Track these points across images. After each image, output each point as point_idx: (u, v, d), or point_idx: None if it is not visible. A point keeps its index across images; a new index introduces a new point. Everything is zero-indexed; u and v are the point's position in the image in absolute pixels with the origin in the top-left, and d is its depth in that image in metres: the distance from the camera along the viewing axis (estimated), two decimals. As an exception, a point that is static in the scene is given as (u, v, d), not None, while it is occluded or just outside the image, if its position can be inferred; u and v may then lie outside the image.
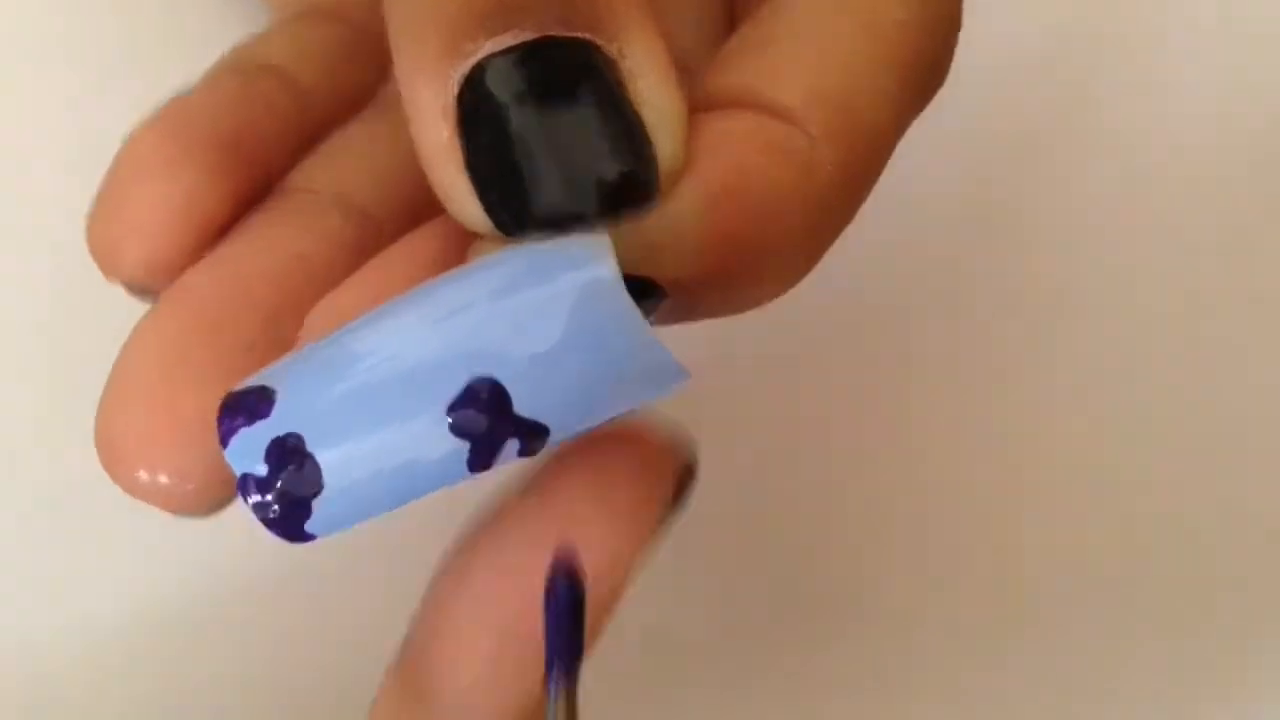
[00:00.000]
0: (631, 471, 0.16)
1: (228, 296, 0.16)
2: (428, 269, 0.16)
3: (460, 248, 0.15)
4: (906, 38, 0.17)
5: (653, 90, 0.14)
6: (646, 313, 0.14)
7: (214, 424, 0.14)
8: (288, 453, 0.14)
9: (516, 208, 0.14)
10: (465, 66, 0.14)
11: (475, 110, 0.14)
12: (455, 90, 0.14)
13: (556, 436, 0.14)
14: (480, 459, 0.14)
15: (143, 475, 0.16)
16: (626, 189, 0.14)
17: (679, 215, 0.15)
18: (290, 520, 0.14)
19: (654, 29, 0.15)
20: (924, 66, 0.17)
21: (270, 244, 0.17)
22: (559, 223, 0.14)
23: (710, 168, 0.15)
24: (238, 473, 0.14)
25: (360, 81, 0.20)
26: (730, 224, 0.15)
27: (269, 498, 0.14)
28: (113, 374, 0.16)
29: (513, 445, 0.14)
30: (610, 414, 0.14)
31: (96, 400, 0.16)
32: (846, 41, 0.16)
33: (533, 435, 0.14)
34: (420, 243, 0.17)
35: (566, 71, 0.14)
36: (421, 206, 0.17)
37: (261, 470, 0.14)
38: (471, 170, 0.14)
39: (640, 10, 0.15)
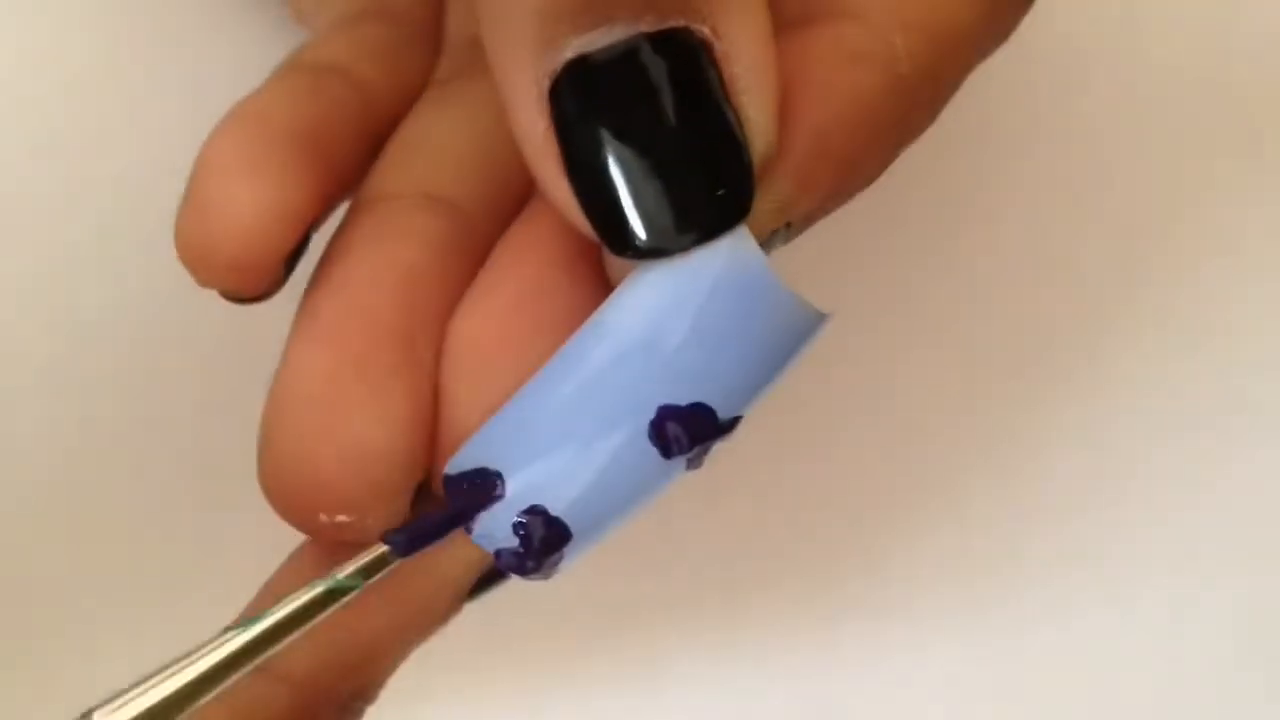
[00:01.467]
0: None
1: (360, 328, 0.16)
2: (543, 266, 0.16)
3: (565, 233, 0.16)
4: None
5: (750, 74, 0.14)
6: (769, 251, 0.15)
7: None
8: (533, 522, 0.15)
9: (619, 233, 0.14)
10: (557, 62, 0.14)
11: (569, 112, 0.14)
12: (547, 85, 0.14)
13: (744, 415, 0.15)
14: (694, 464, 0.15)
15: (322, 518, 0.16)
16: (726, 209, 0.14)
17: (785, 180, 0.15)
18: (547, 570, 0.16)
19: (750, 3, 0.14)
20: None
21: (380, 263, 0.17)
22: (663, 249, 0.14)
23: (807, 114, 0.15)
24: (489, 550, 0.15)
25: (418, 74, 0.20)
26: (831, 156, 0.15)
27: (529, 564, 0.15)
28: (272, 420, 0.16)
29: (716, 442, 0.15)
30: (782, 376, 0.15)
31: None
32: None
33: (732, 427, 0.15)
34: (526, 239, 0.17)
35: (660, 76, 0.14)
36: (506, 189, 0.17)
37: (514, 544, 0.15)
38: (572, 177, 0.14)
39: None
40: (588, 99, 0.14)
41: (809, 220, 0.16)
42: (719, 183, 0.14)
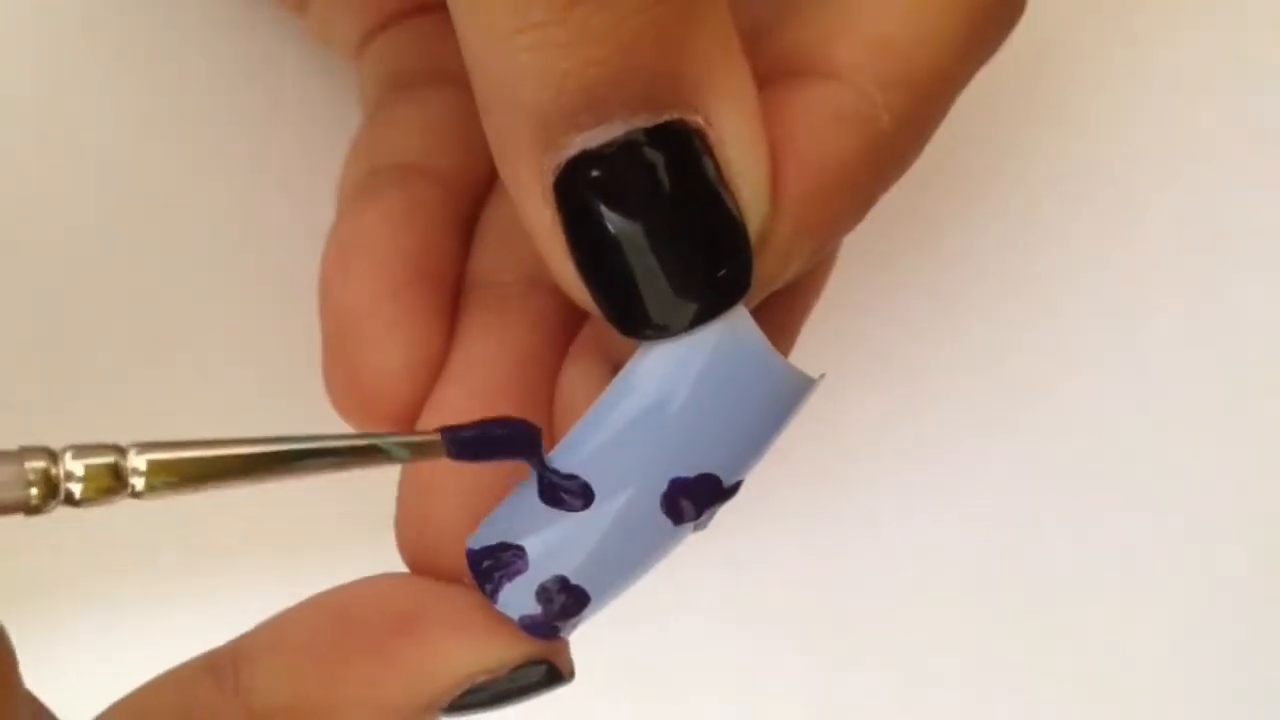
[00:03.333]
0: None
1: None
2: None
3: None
4: None
5: (743, 156, 0.15)
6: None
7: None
8: (554, 590, 0.16)
9: (626, 316, 0.15)
10: (560, 159, 0.14)
11: (574, 203, 0.15)
12: (552, 179, 0.15)
13: (729, 484, 0.16)
14: (699, 527, 0.16)
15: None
16: (728, 289, 0.15)
17: (777, 248, 0.16)
18: (568, 629, 0.17)
19: (739, 85, 0.15)
20: (994, 5, 0.17)
21: (500, 353, 0.18)
22: (668, 330, 0.15)
23: (793, 185, 0.15)
24: (514, 617, 0.16)
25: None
26: (817, 222, 0.16)
27: (553, 625, 0.16)
28: (413, 530, 0.18)
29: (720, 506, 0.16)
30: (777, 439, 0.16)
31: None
32: None
33: (734, 491, 0.16)
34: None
35: (658, 165, 0.14)
36: None
37: (538, 611, 0.16)
38: (579, 264, 0.15)
39: (725, 70, 0.15)
40: (591, 191, 0.14)
41: (794, 279, 0.17)
42: (720, 264, 0.15)
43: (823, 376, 0.16)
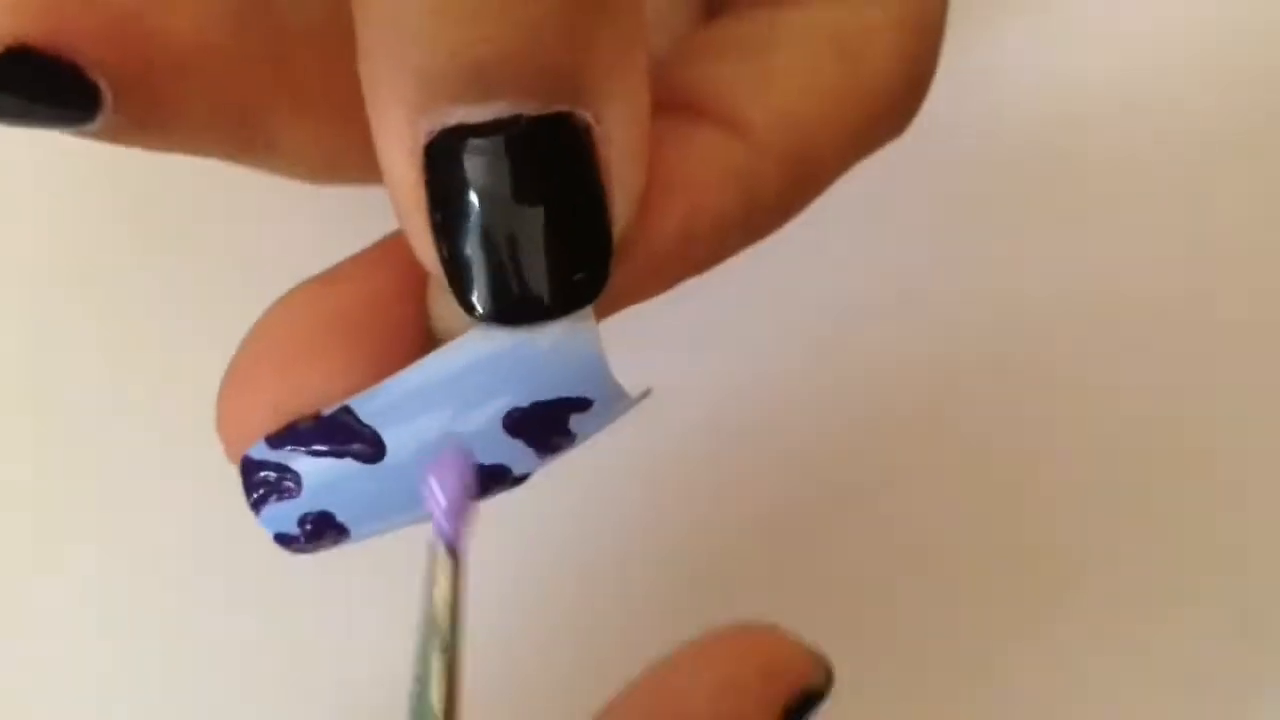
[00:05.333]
0: (748, 681, 0.18)
1: None
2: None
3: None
4: (889, 70, 0.17)
5: (622, 161, 0.15)
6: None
7: None
8: (317, 521, 0.16)
9: (473, 297, 0.15)
10: (436, 125, 0.14)
11: (442, 174, 0.14)
12: (423, 141, 0.14)
13: (519, 474, 0.16)
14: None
15: None
16: (579, 291, 0.15)
17: (632, 271, 0.15)
18: (316, 551, 0.17)
19: (634, 92, 0.15)
20: (897, 103, 0.18)
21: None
22: (512, 320, 0.15)
23: (662, 220, 0.16)
24: (268, 531, 0.16)
25: None
26: (675, 254, 0.16)
27: (305, 548, 0.17)
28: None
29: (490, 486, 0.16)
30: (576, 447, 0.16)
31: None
32: (827, 68, 0.17)
33: (522, 481, 0.16)
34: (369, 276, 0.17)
35: (536, 155, 0.14)
36: None
37: (295, 533, 0.16)
38: (434, 230, 0.14)
39: (624, 74, 0.14)
40: (462, 166, 0.14)
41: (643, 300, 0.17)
42: (578, 265, 0.14)
43: (646, 393, 0.16)
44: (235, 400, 0.16)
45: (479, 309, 0.15)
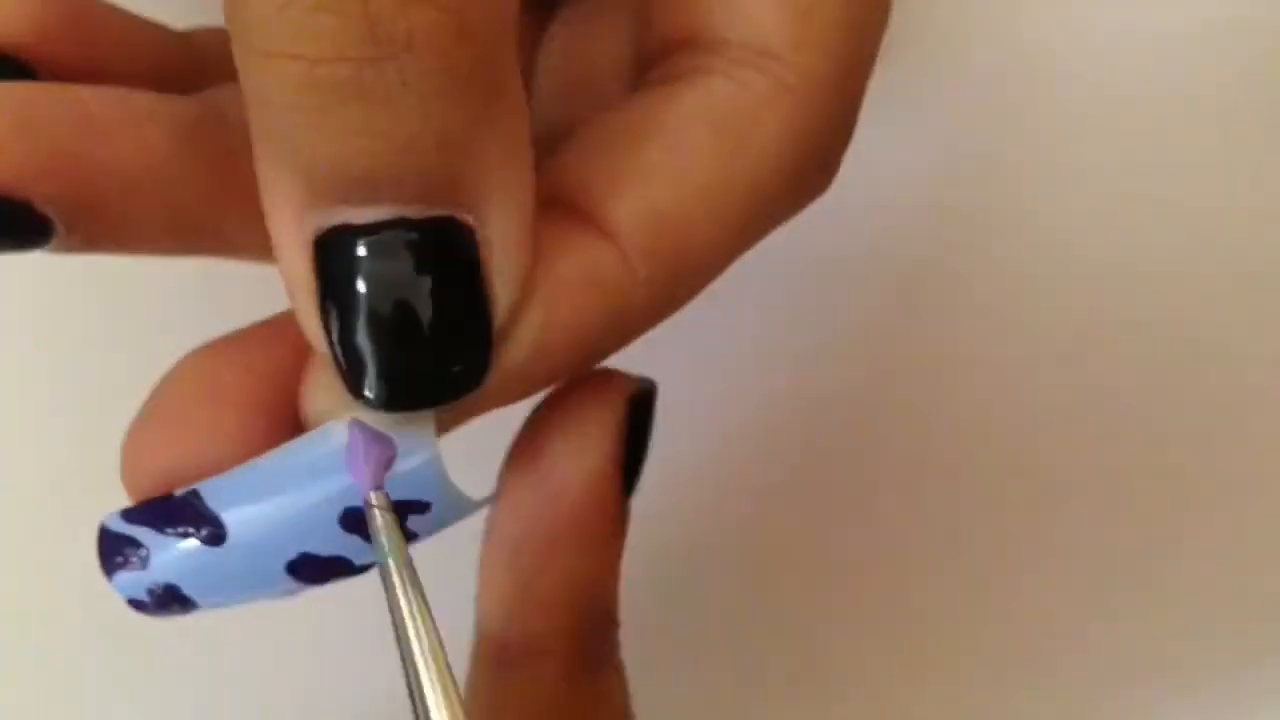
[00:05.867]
0: (587, 404, 0.18)
1: None
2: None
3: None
4: (781, 151, 0.16)
5: (504, 259, 0.15)
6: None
7: None
8: (164, 594, 0.17)
9: (356, 383, 0.15)
10: (324, 223, 0.14)
11: (330, 270, 0.14)
12: (312, 237, 0.14)
13: (360, 565, 0.17)
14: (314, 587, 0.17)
15: None
16: (461, 383, 0.15)
17: (507, 373, 0.15)
18: (168, 617, 0.17)
19: (516, 192, 0.15)
20: (792, 180, 0.17)
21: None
22: (391, 407, 0.15)
23: (523, 320, 0.15)
24: (120, 596, 0.17)
25: None
26: (529, 368, 0.16)
27: (156, 614, 0.17)
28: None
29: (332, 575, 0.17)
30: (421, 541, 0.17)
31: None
32: (703, 154, 0.16)
33: (365, 570, 0.17)
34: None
35: (418, 255, 0.14)
36: None
37: (144, 599, 0.17)
38: (323, 319, 0.15)
39: (506, 178, 0.14)
40: (350, 261, 0.14)
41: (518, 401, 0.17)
42: (457, 359, 0.15)
43: (490, 499, 0.17)
44: (129, 459, 0.17)
45: (366, 394, 0.15)
